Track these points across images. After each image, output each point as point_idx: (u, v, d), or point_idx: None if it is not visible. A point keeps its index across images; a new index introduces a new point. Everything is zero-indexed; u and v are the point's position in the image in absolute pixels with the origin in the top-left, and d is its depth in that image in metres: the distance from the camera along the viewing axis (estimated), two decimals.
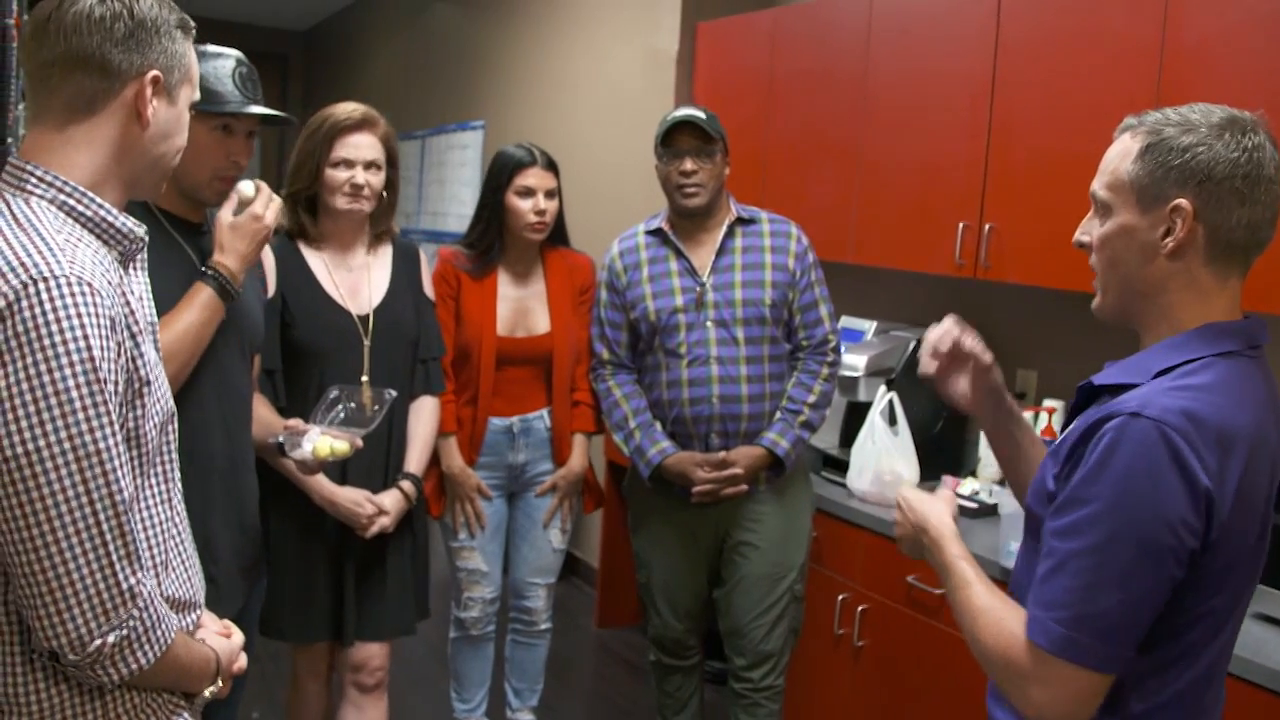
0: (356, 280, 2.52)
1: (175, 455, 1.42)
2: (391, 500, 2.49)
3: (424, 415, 2.63)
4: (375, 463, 2.50)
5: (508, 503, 2.98)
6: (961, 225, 2.95)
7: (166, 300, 1.83)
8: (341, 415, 2.32)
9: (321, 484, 2.40)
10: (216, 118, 1.95)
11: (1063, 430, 1.46)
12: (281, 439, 2.21)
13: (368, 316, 2.49)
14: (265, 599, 2.32)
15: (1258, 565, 1.33)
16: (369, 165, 2.45)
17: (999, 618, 1.33)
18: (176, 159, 1.40)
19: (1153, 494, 1.20)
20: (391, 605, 2.56)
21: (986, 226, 2.90)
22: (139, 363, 1.26)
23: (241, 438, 2.11)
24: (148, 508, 1.32)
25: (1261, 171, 1.27)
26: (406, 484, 2.54)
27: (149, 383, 1.28)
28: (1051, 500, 1.33)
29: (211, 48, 1.99)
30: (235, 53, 2.03)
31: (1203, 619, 1.27)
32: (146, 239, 1.36)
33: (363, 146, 2.45)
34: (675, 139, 2.67)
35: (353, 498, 2.42)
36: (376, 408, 2.33)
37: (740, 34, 3.89)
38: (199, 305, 1.91)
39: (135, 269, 1.38)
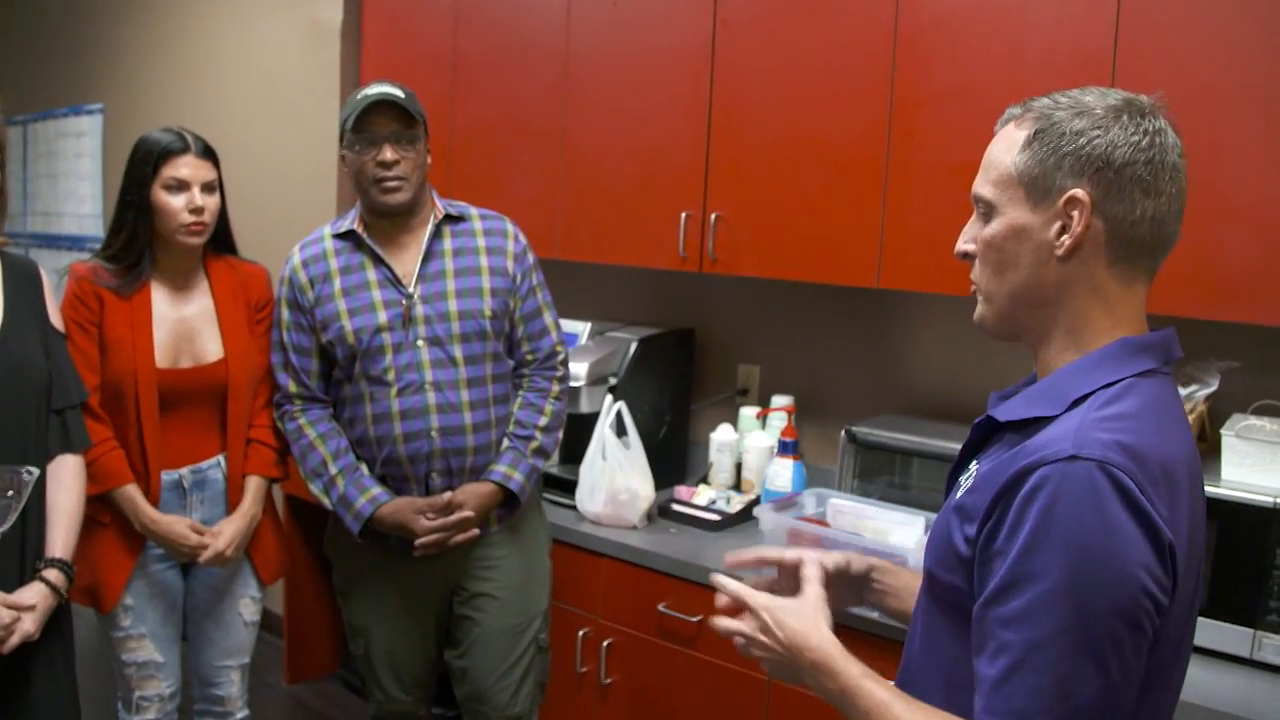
0: None
1: None
2: (34, 596, 1.92)
3: (66, 481, 2.04)
4: (8, 550, 1.90)
5: (182, 574, 2.42)
6: (684, 215, 2.72)
7: None
8: None
9: None
10: None
11: (954, 469, 1.22)
12: None
13: None
14: None
15: (1198, 604, 1.15)
16: None
17: None
18: None
19: (1113, 549, 0.98)
20: None
21: (712, 216, 2.68)
22: None
23: None
24: None
25: (1165, 158, 1.09)
26: (52, 573, 1.96)
27: None
28: (964, 564, 1.09)
29: None
30: None
31: (1152, 679, 1.06)
32: None
33: None
34: (370, 122, 2.22)
35: None
36: (10, 494, 1.74)
37: (416, 3, 3.45)
38: None
39: None
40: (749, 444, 2.88)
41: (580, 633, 2.67)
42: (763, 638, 1.25)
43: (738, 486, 2.91)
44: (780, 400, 2.89)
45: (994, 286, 1.16)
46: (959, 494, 1.15)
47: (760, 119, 2.59)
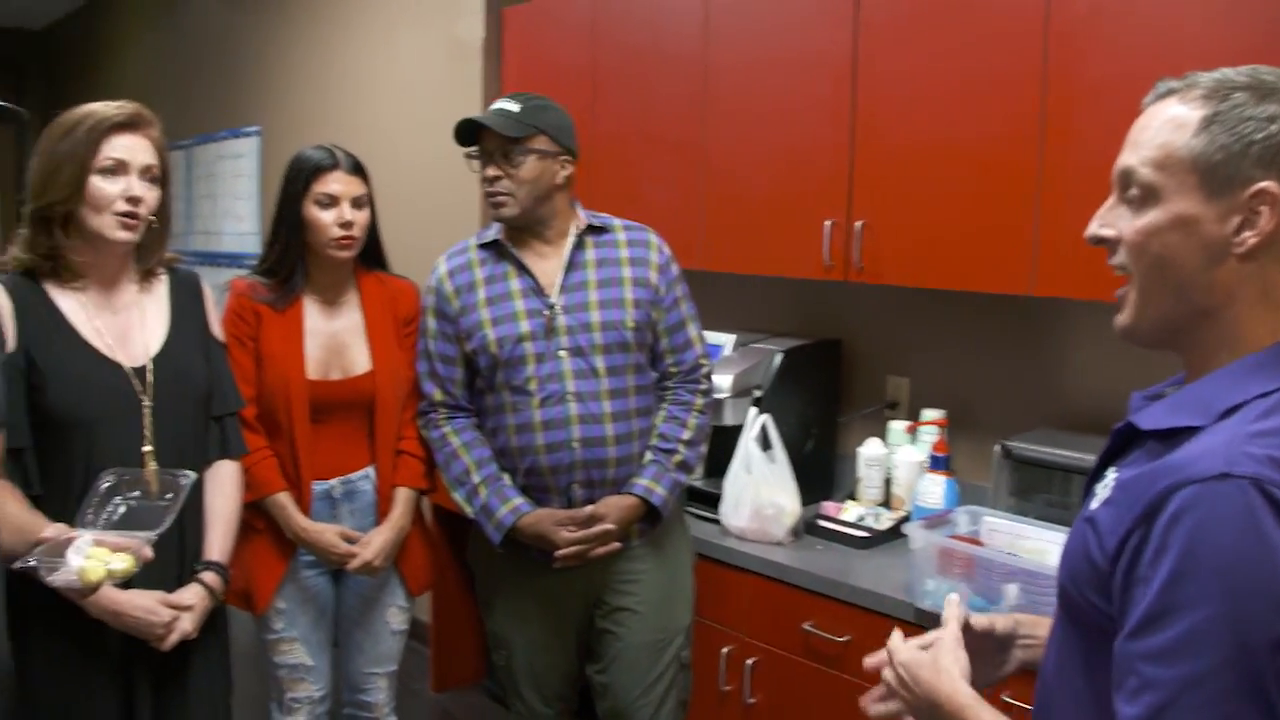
0: (125, 324, 2.00)
1: None
2: (193, 597, 1.99)
3: (224, 486, 2.12)
4: (167, 551, 1.95)
5: (333, 581, 2.47)
6: (828, 223, 2.65)
7: None
8: (121, 510, 1.80)
9: (99, 592, 1.85)
10: None
11: (1092, 478, 1.13)
12: (34, 561, 1.64)
13: (145, 369, 1.97)
14: None
15: None
16: (145, 173, 1.94)
17: None
18: None
19: (1273, 575, 0.89)
20: None
21: (858, 224, 2.60)
22: None
23: None
24: None
25: None
26: (209, 575, 2.03)
27: None
28: (1099, 578, 1.01)
29: None
30: None
31: None
32: None
33: (137, 149, 1.93)
34: (480, 140, 2.28)
35: (143, 605, 1.90)
36: (170, 496, 1.80)
37: (555, 19, 3.48)
38: None
39: None
40: (899, 459, 2.78)
41: (723, 650, 2.62)
42: (902, 692, 1.24)
43: (887, 503, 2.81)
44: (931, 413, 2.79)
45: (1153, 284, 1.05)
46: (1094, 504, 1.06)
47: (905, 123, 2.51)
